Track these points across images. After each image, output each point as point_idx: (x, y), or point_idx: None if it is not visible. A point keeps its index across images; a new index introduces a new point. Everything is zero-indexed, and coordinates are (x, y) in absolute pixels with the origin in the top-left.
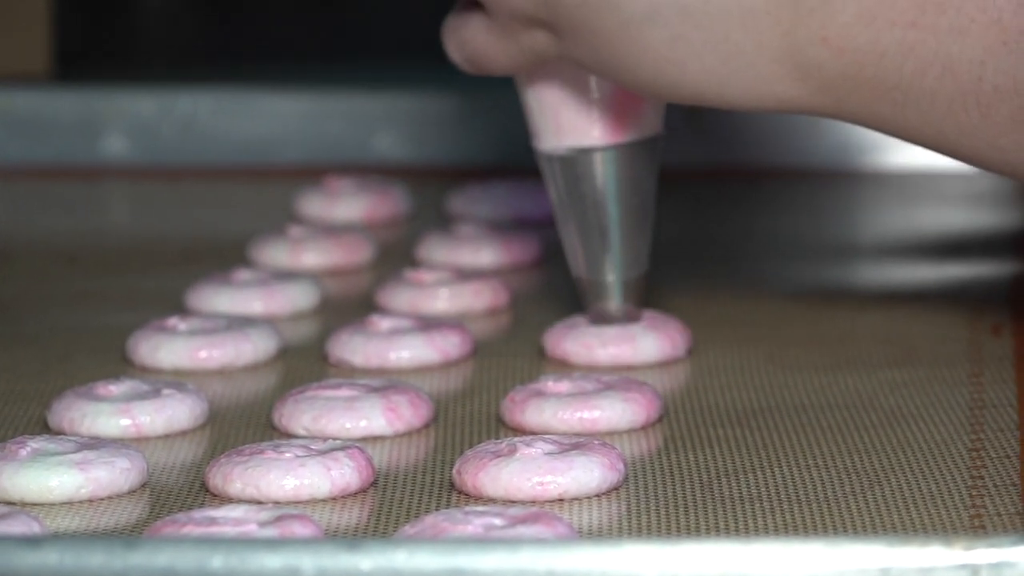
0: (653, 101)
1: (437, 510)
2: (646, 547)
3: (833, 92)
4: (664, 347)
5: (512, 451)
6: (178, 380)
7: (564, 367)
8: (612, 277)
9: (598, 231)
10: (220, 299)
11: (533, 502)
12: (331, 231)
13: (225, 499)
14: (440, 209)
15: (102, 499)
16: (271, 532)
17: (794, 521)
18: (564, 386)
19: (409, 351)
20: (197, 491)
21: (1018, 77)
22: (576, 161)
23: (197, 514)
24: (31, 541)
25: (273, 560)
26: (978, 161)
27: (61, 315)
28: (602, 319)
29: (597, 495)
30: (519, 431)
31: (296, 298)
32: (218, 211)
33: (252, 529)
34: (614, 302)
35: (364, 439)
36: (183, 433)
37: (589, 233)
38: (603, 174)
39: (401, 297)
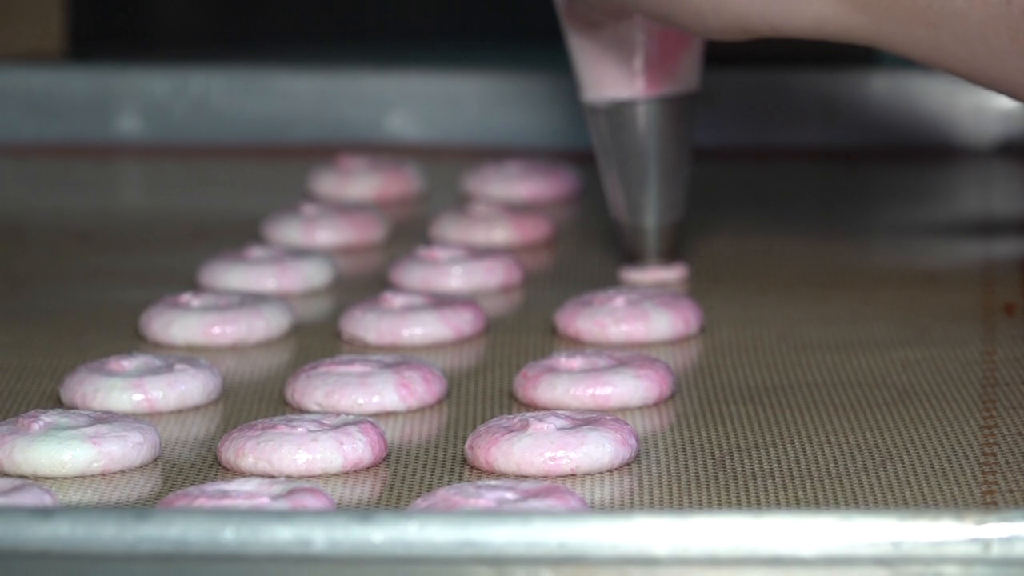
0: (691, 55)
1: (449, 484)
2: (657, 520)
3: (870, 10)
4: (677, 325)
5: (524, 426)
6: (191, 356)
7: (577, 344)
8: (650, 222)
9: (637, 179)
10: (233, 276)
11: (545, 477)
12: (344, 209)
13: (237, 473)
14: (453, 188)
15: (114, 473)
16: (283, 505)
17: (806, 497)
18: (577, 362)
19: (422, 328)
20: (210, 465)
21: None
22: (617, 113)
23: (209, 487)
24: (42, 512)
25: (285, 532)
26: (1009, 88)
27: (75, 291)
28: (639, 263)
29: (609, 470)
30: (531, 407)
31: (309, 275)
32: (231, 189)
33: (264, 502)
34: (651, 246)
35: (377, 415)
36: (196, 408)
37: (629, 180)
38: (643, 126)
39: (414, 274)
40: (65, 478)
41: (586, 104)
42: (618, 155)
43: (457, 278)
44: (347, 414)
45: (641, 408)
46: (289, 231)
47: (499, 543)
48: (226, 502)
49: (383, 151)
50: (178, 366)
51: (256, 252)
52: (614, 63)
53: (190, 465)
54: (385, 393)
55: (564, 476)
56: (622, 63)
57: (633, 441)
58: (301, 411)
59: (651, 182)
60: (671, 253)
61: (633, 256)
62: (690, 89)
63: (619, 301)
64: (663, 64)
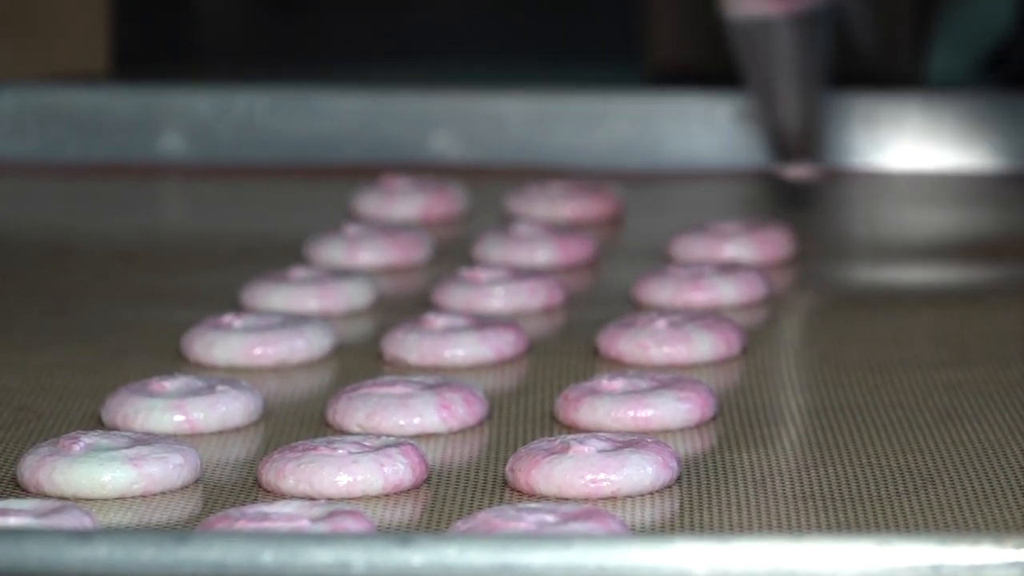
0: None
1: (490, 507)
2: (697, 544)
3: None
4: (719, 346)
5: (565, 449)
6: (232, 377)
7: (618, 366)
8: (790, 124)
9: (775, 87)
10: (276, 297)
11: (586, 499)
12: (387, 230)
13: (278, 495)
14: (497, 208)
15: (155, 495)
16: (323, 528)
17: (847, 519)
18: (618, 384)
19: (464, 349)
20: (250, 487)
21: None
22: (754, 29)
23: (250, 510)
24: (81, 535)
25: (324, 555)
26: None
27: (117, 311)
28: (785, 162)
29: (650, 493)
30: (573, 429)
31: (352, 296)
32: (275, 209)
33: (304, 525)
34: (791, 145)
35: (418, 436)
36: (237, 429)
37: (771, 88)
38: (779, 39)
39: (457, 295)
40: (105, 500)
41: (727, 20)
42: (757, 66)
43: (499, 299)
44: (388, 436)
45: (683, 430)
46: (332, 251)
47: (538, 566)
48: (267, 524)
49: (427, 171)
50: (219, 387)
51: (299, 273)
52: None
53: (231, 487)
54: (426, 415)
55: (605, 499)
56: None
57: (674, 463)
58: (342, 432)
59: (787, 90)
60: (810, 152)
61: (780, 154)
62: (819, 8)
63: (661, 323)
64: None
